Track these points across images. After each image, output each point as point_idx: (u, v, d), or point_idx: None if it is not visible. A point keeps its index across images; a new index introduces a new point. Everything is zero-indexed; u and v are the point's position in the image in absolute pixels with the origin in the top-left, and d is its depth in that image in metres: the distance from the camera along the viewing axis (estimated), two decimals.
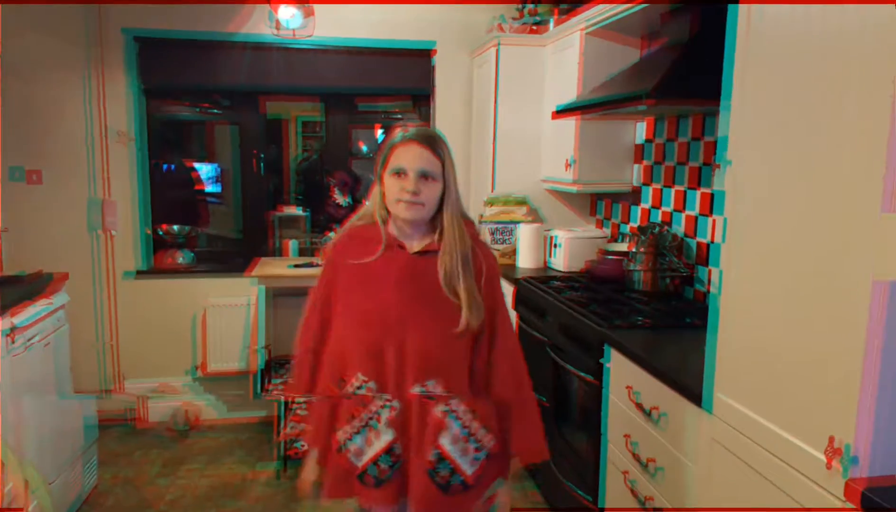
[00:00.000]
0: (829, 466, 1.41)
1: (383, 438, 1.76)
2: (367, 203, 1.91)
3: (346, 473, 1.81)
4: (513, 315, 3.55)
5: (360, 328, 1.80)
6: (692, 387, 1.97)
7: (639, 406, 2.28)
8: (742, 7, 1.76)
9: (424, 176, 1.76)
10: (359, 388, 1.79)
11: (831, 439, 1.40)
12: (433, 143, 1.79)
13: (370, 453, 1.77)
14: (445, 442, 1.76)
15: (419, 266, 1.79)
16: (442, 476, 1.76)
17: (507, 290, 3.69)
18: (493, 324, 1.84)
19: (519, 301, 3.50)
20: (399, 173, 1.76)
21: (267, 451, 4.09)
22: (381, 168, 1.81)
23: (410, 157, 1.76)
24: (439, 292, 1.76)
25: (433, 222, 1.84)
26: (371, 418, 1.78)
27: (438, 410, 1.76)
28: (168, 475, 3.77)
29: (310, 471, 1.91)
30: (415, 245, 1.82)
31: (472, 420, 1.79)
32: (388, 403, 1.77)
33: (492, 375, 1.85)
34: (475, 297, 1.77)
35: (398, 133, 1.82)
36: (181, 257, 4.53)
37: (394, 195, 1.77)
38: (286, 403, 3.98)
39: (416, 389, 1.76)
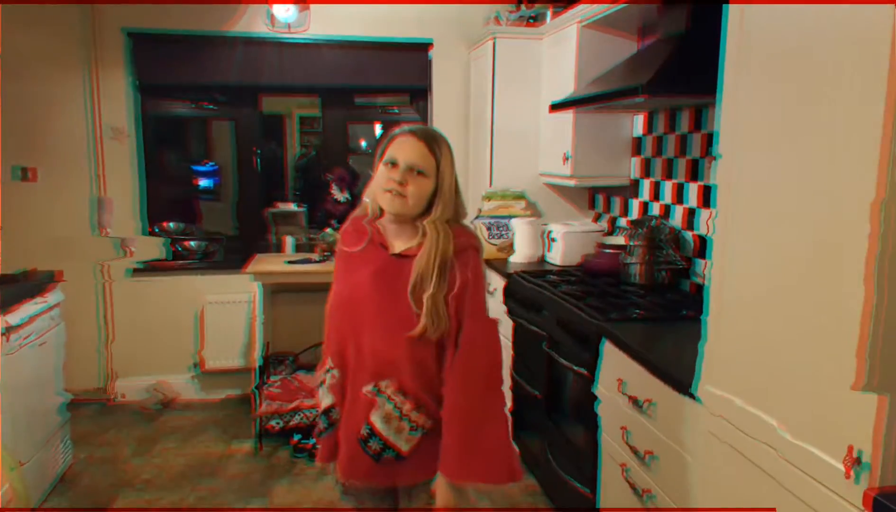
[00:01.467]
0: (824, 458, 1.40)
1: (324, 401, 1.90)
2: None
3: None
4: (502, 309, 3.54)
5: (334, 318, 1.90)
6: (685, 379, 1.97)
7: (635, 400, 2.27)
8: (735, 6, 1.75)
9: (414, 170, 1.75)
10: (326, 372, 1.90)
11: (828, 431, 1.40)
12: (430, 139, 1.80)
13: (321, 408, 1.92)
14: (376, 419, 1.79)
15: (395, 267, 1.79)
16: (372, 448, 1.81)
17: (498, 284, 3.68)
18: (460, 337, 1.77)
19: (515, 296, 3.49)
20: (390, 164, 1.77)
21: (242, 428, 4.10)
22: (378, 159, 1.83)
23: (404, 149, 1.77)
24: (404, 297, 1.75)
25: (420, 224, 1.82)
26: (321, 382, 1.92)
27: (367, 389, 1.80)
28: (143, 454, 3.78)
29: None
30: (397, 246, 1.83)
31: (403, 402, 1.78)
32: (330, 370, 1.89)
33: (445, 386, 1.79)
34: (438, 307, 1.73)
35: (401, 127, 1.85)
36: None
37: (381, 184, 1.78)
38: (261, 381, 4.02)
39: (367, 388, 1.80)
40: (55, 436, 3.37)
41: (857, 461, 1.32)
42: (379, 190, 1.79)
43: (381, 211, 1.86)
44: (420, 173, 1.76)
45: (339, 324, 1.88)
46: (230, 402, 4.54)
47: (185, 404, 4.50)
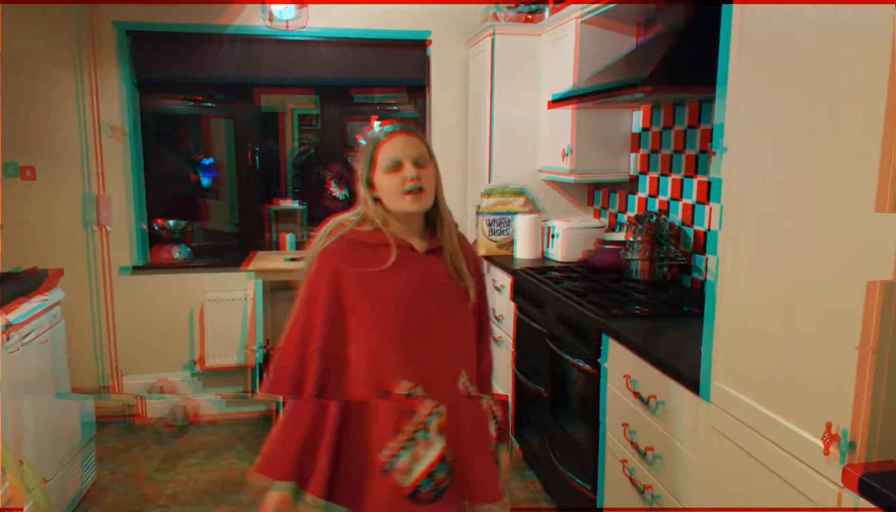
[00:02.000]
0: (826, 452, 1.40)
1: (436, 447, 1.66)
2: (353, 212, 1.81)
3: (394, 496, 1.64)
4: (511, 306, 3.55)
5: (395, 334, 1.70)
6: (689, 375, 1.97)
7: (637, 395, 2.27)
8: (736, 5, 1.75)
9: (418, 162, 1.74)
10: (429, 418, 1.67)
11: (828, 425, 1.40)
12: (414, 129, 1.82)
13: (420, 468, 1.64)
14: (492, 430, 1.84)
15: (430, 263, 1.80)
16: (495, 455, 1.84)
17: (506, 281, 3.68)
18: (481, 305, 1.92)
19: (517, 292, 3.49)
20: (395, 167, 1.71)
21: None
22: (370, 170, 1.74)
23: (401, 147, 1.73)
24: (451, 282, 1.80)
25: (427, 217, 1.82)
26: (418, 429, 1.66)
27: (484, 402, 1.84)
28: (167, 471, 3.76)
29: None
30: (418, 245, 1.80)
31: (475, 391, 1.85)
32: (434, 411, 1.68)
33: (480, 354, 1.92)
34: (471, 271, 1.85)
35: (378, 131, 1.77)
36: (177, 252, 4.51)
37: (395, 190, 1.71)
38: (262, 375, 3.97)
39: (461, 382, 1.78)
40: (79, 453, 3.38)
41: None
42: (396, 196, 1.71)
43: (385, 220, 1.76)
44: (424, 164, 1.75)
45: (397, 340, 1.70)
46: (254, 419, 4.49)
47: (210, 421, 4.47)
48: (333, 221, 1.79)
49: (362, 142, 1.87)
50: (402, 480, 1.63)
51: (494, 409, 1.87)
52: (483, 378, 1.92)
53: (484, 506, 1.74)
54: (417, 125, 4.64)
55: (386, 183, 1.72)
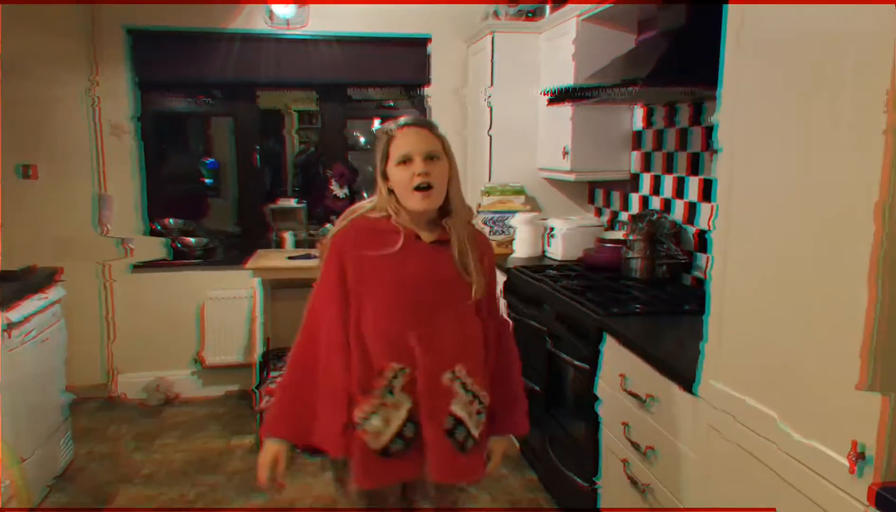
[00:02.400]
0: (828, 453, 1.40)
1: (403, 407, 1.76)
2: (369, 199, 1.91)
3: (369, 456, 1.77)
4: (503, 305, 3.54)
5: (396, 319, 1.77)
6: (688, 374, 1.97)
7: (635, 394, 2.27)
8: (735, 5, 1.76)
9: (430, 157, 1.75)
10: (394, 377, 1.76)
11: (831, 426, 1.40)
12: (428, 124, 1.83)
13: (390, 431, 1.76)
14: (457, 407, 1.80)
15: (436, 254, 1.82)
16: (458, 440, 1.80)
17: (500, 279, 3.68)
18: (491, 299, 1.95)
19: (515, 290, 3.49)
20: (405, 160, 1.75)
21: (243, 424, 4.12)
22: (384, 163, 1.80)
23: (412, 141, 1.76)
24: (455, 275, 1.81)
25: (439, 210, 1.83)
26: (386, 389, 1.76)
27: (445, 377, 1.79)
28: (144, 449, 3.79)
29: (269, 462, 1.86)
30: (426, 236, 1.83)
31: (472, 384, 1.83)
32: (399, 371, 1.76)
33: (492, 347, 1.94)
34: (480, 270, 1.84)
35: (392, 125, 1.82)
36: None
37: (405, 184, 1.75)
38: (263, 373, 4.05)
39: (446, 376, 1.79)
40: (56, 432, 3.38)
41: (861, 456, 1.32)
42: (405, 190, 1.76)
43: (397, 210, 1.81)
44: (435, 158, 1.77)
45: (395, 325, 1.76)
46: (231, 397, 4.55)
47: (186, 400, 4.51)
48: (350, 209, 1.91)
49: (377, 133, 1.89)
50: (373, 442, 1.75)
51: (466, 379, 1.82)
52: (500, 373, 1.95)
53: (442, 485, 1.89)
54: None
55: (397, 176, 1.77)
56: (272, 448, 1.85)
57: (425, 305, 1.79)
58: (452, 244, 1.82)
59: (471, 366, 1.83)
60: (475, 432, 1.84)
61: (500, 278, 3.63)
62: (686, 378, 1.96)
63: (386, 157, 1.79)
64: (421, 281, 1.80)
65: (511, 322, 2.07)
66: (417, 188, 1.74)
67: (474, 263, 1.82)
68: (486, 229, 4.02)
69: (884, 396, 1.28)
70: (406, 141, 1.76)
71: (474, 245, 1.85)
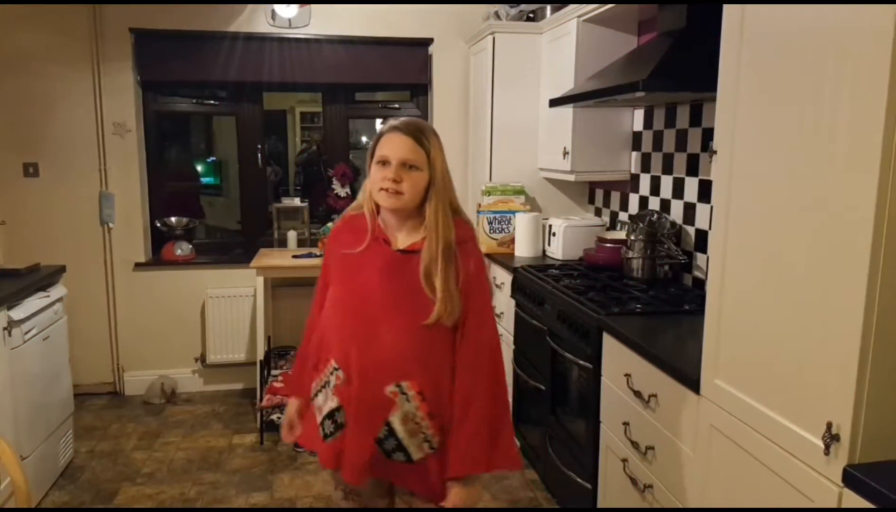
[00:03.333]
0: (826, 452, 1.41)
1: (329, 404, 1.86)
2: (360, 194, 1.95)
3: (314, 424, 1.92)
4: (511, 303, 3.56)
5: (341, 318, 1.84)
6: (688, 373, 1.98)
7: (636, 393, 2.28)
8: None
9: (406, 165, 1.76)
10: (330, 374, 1.84)
11: (828, 424, 1.41)
12: (418, 133, 1.79)
13: (324, 412, 1.88)
14: (395, 420, 1.78)
15: (401, 263, 1.79)
16: (387, 448, 1.80)
17: (506, 278, 3.69)
18: (465, 326, 1.79)
19: (517, 289, 3.50)
20: (382, 162, 1.78)
21: (244, 422, 4.14)
22: (370, 158, 1.83)
23: (393, 146, 1.77)
24: (419, 288, 1.75)
25: (421, 217, 1.82)
26: (325, 382, 1.87)
27: (389, 390, 1.77)
28: (146, 447, 3.80)
29: (289, 417, 2.04)
30: (400, 241, 1.82)
31: (420, 404, 1.77)
32: (334, 371, 1.83)
33: (458, 375, 1.80)
34: (451, 292, 1.75)
35: (387, 124, 1.83)
36: (179, 249, 4.53)
37: (376, 184, 1.78)
38: (265, 372, 4.06)
39: (389, 388, 1.76)
40: (58, 429, 3.39)
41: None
42: (374, 188, 1.79)
43: (378, 207, 1.85)
44: (413, 167, 1.76)
45: (344, 325, 1.82)
46: (233, 395, 4.56)
47: (189, 397, 4.53)
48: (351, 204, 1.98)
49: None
50: (318, 414, 1.90)
51: (414, 398, 1.77)
52: (460, 400, 1.77)
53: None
54: None
55: (373, 174, 1.81)
56: (291, 405, 2.04)
57: (373, 312, 1.77)
58: (422, 259, 1.76)
59: (423, 384, 1.77)
60: (413, 453, 1.79)
61: (507, 278, 3.64)
62: (689, 378, 1.97)
63: (373, 153, 1.82)
64: (374, 287, 1.78)
65: (497, 348, 1.87)
66: (383, 188, 1.76)
67: (443, 284, 1.73)
68: (487, 228, 4.04)
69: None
70: (388, 144, 1.78)
71: (449, 265, 1.75)
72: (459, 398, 1.78)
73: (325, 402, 1.87)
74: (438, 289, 1.74)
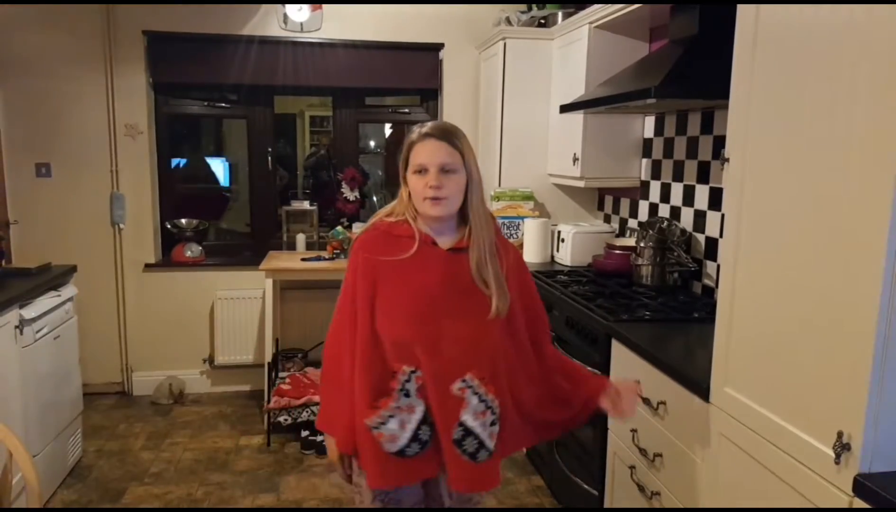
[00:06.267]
0: (836, 461, 1.41)
1: (418, 410, 1.78)
2: (389, 204, 1.94)
3: (385, 457, 1.79)
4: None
5: (403, 324, 1.79)
6: (698, 381, 1.98)
7: (645, 400, 2.28)
8: (750, 6, 1.77)
9: (445, 170, 1.77)
10: (407, 380, 1.78)
11: (839, 434, 1.41)
12: (449, 136, 1.81)
13: (407, 434, 1.78)
14: (468, 417, 1.78)
15: (452, 262, 1.82)
16: (468, 450, 1.79)
17: None
18: (527, 311, 1.92)
19: None
20: (421, 171, 1.78)
21: (252, 423, 4.15)
22: (405, 169, 1.84)
23: (429, 152, 1.78)
24: (472, 285, 1.79)
25: (460, 217, 1.85)
26: (401, 391, 1.77)
27: (456, 387, 1.77)
28: (153, 448, 3.82)
29: (332, 454, 1.96)
30: (446, 242, 1.84)
31: (486, 393, 1.80)
32: (411, 373, 1.77)
33: (539, 353, 1.93)
34: (502, 285, 1.80)
35: (416, 131, 1.83)
36: (189, 251, 4.55)
37: (419, 193, 1.78)
38: (272, 374, 4.07)
39: (456, 385, 1.77)
40: (67, 428, 3.41)
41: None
42: (418, 199, 1.79)
43: (415, 216, 1.85)
44: (451, 171, 1.78)
45: (408, 331, 1.78)
46: (241, 397, 4.58)
47: (196, 398, 4.55)
48: (375, 213, 1.94)
49: (405, 141, 1.90)
50: (389, 446, 1.77)
51: (479, 388, 1.79)
52: (542, 382, 1.92)
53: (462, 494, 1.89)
54: None
55: (413, 184, 1.80)
56: (329, 442, 1.95)
57: (434, 311, 1.78)
58: (470, 255, 1.80)
59: (485, 375, 1.80)
60: (489, 443, 1.80)
61: None
62: (699, 386, 1.97)
63: (407, 163, 1.82)
64: (432, 287, 1.79)
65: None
66: (428, 197, 1.77)
67: (495, 277, 1.79)
68: None
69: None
70: (423, 151, 1.78)
71: (494, 258, 1.81)
72: (546, 370, 1.94)
73: (406, 418, 1.77)
74: (492, 284, 1.79)
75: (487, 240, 1.81)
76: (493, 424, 1.81)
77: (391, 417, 1.76)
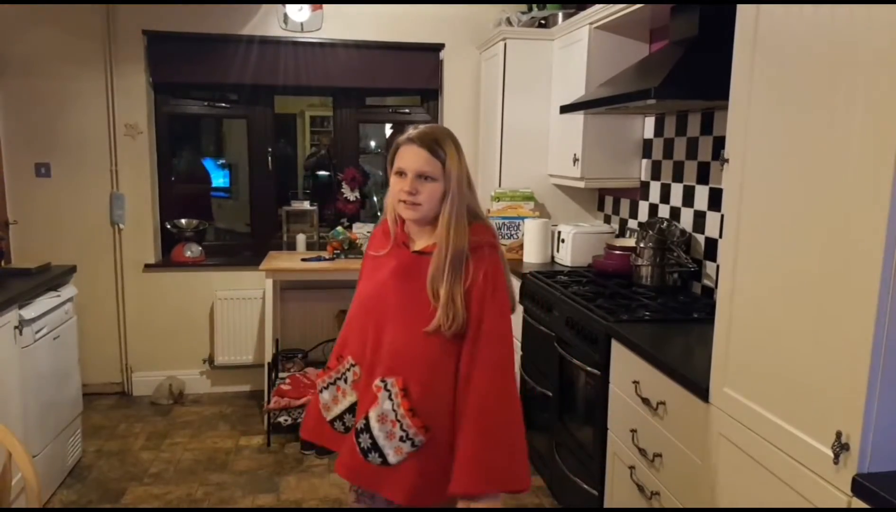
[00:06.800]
0: (835, 461, 1.41)
1: (348, 398, 1.91)
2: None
3: (319, 419, 1.98)
4: (519, 309, 3.56)
5: (357, 315, 1.93)
6: (698, 381, 1.98)
7: (644, 400, 2.28)
8: (750, 6, 1.77)
9: (422, 177, 1.78)
10: (347, 370, 1.92)
11: (838, 434, 1.41)
12: (433, 144, 1.79)
13: (337, 410, 1.93)
14: (373, 415, 1.79)
15: (416, 264, 1.82)
16: (362, 445, 1.80)
17: (514, 284, 3.69)
18: (477, 335, 1.75)
19: (525, 295, 3.51)
20: (400, 174, 1.82)
21: (252, 423, 4.15)
22: (390, 169, 1.87)
23: (409, 158, 1.80)
24: (424, 294, 1.77)
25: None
26: (340, 377, 1.94)
27: (374, 384, 1.81)
28: (153, 448, 3.82)
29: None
30: (418, 244, 1.87)
31: (401, 402, 1.76)
32: (351, 367, 1.91)
33: (464, 387, 1.75)
34: (455, 301, 1.73)
35: (405, 134, 1.85)
36: (189, 251, 4.55)
37: (395, 195, 1.83)
38: (272, 374, 4.07)
39: (376, 382, 1.80)
40: (67, 429, 3.41)
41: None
42: (394, 200, 1.84)
43: (397, 216, 1.91)
44: (428, 178, 1.79)
45: (362, 322, 1.89)
46: (241, 397, 4.58)
47: (196, 398, 4.55)
48: None
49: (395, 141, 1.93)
50: (326, 413, 1.96)
51: (396, 396, 1.76)
52: (461, 418, 1.74)
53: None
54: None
55: (392, 184, 1.86)
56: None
57: (382, 311, 1.84)
58: (430, 264, 1.77)
59: (409, 382, 1.76)
60: (386, 451, 1.76)
61: (515, 284, 3.63)
62: (699, 386, 1.97)
63: (392, 163, 1.86)
64: (387, 288, 1.85)
65: (511, 368, 1.81)
66: (402, 200, 1.81)
67: (446, 294, 1.72)
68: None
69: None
70: (405, 156, 1.81)
71: (457, 272, 1.74)
72: (461, 410, 1.75)
73: (339, 398, 1.93)
74: (441, 297, 1.74)
75: (452, 252, 1.75)
76: (402, 440, 1.76)
77: (325, 389, 1.96)
